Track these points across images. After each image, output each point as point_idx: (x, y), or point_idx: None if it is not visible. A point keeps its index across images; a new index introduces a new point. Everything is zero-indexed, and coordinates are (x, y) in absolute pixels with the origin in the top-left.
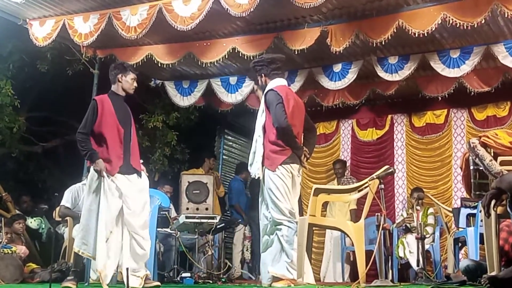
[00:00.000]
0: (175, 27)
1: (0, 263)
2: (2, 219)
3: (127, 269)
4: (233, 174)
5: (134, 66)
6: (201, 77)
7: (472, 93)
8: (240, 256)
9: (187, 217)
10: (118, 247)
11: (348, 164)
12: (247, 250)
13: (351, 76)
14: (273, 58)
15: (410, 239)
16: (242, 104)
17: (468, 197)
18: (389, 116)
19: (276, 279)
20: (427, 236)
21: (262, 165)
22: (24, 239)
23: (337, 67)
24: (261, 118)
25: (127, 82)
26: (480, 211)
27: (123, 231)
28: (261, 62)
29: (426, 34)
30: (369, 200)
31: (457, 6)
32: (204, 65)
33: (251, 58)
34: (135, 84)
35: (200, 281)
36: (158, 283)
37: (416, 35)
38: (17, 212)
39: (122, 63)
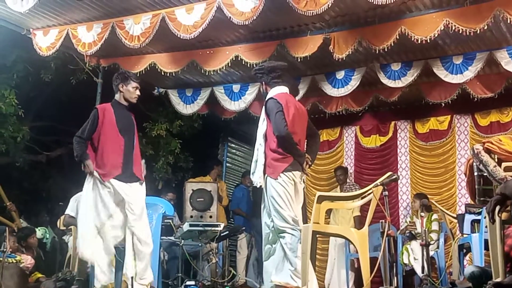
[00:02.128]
0: (178, 36)
1: (5, 273)
2: (7, 228)
3: (132, 278)
4: (237, 182)
5: (138, 74)
6: (204, 85)
7: (476, 99)
8: (244, 263)
9: (191, 225)
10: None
11: (351, 171)
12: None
13: (354, 83)
14: (274, 66)
15: (415, 245)
16: (245, 112)
17: (473, 203)
18: (393, 123)
19: (279, 287)
20: (432, 242)
21: (264, 173)
22: (35, 251)
23: (340, 74)
24: (262, 126)
25: (128, 91)
26: (485, 217)
27: (127, 237)
28: (261, 70)
29: (428, 41)
30: (372, 207)
31: (459, 13)
32: (207, 73)
33: (254, 65)
34: (137, 93)
35: None
36: None
37: (419, 42)
38: (22, 221)
39: (124, 72)
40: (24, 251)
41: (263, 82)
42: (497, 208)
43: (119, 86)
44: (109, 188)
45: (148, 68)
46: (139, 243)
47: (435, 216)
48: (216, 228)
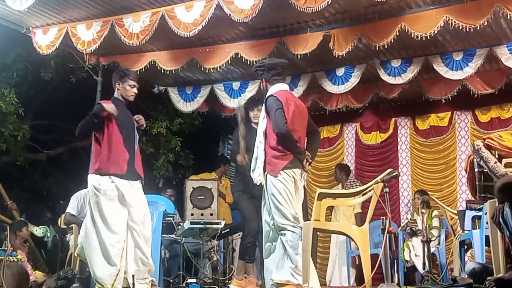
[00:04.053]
0: (178, 34)
1: (6, 271)
2: (8, 227)
3: (133, 276)
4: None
5: (138, 72)
6: (204, 83)
7: (476, 95)
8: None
9: (192, 223)
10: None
11: (352, 168)
12: None
13: (354, 79)
14: (274, 63)
15: (416, 242)
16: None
17: (473, 199)
18: (393, 119)
19: (280, 285)
20: (433, 239)
21: (264, 171)
22: (29, 245)
23: (340, 71)
24: (262, 124)
25: (125, 89)
26: (486, 213)
27: (128, 238)
28: (262, 67)
29: (428, 37)
30: (373, 204)
31: (459, 9)
32: (207, 71)
33: (254, 63)
34: (134, 90)
35: (205, 286)
36: None
37: (419, 38)
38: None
39: (122, 69)
40: (18, 246)
41: (263, 79)
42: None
43: (117, 83)
44: (112, 188)
45: (148, 66)
46: (143, 241)
47: (435, 212)
48: (217, 226)
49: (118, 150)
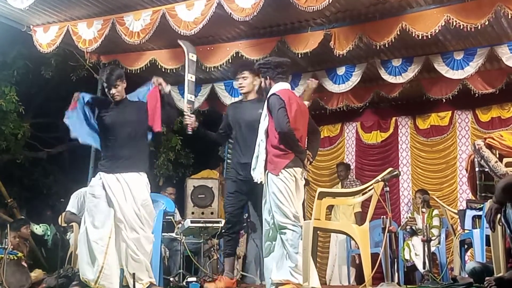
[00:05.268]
0: (179, 32)
1: (6, 269)
2: (8, 225)
3: (134, 274)
4: None
5: (138, 71)
6: (205, 82)
7: (476, 94)
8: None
9: (192, 222)
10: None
11: (352, 167)
12: None
13: (355, 79)
14: (280, 62)
15: (416, 241)
16: None
17: (474, 198)
18: (394, 119)
19: (280, 284)
20: (433, 238)
21: (265, 170)
22: (29, 244)
23: (341, 70)
24: (263, 122)
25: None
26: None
27: (118, 236)
28: (267, 64)
29: (429, 36)
30: (373, 203)
31: (460, 8)
32: (207, 70)
33: (255, 62)
34: (112, 92)
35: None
36: None
37: (420, 37)
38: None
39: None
40: (18, 244)
41: (267, 77)
42: (498, 216)
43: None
44: (99, 185)
45: (149, 64)
46: (130, 239)
47: (436, 211)
48: (218, 225)
49: (105, 147)
